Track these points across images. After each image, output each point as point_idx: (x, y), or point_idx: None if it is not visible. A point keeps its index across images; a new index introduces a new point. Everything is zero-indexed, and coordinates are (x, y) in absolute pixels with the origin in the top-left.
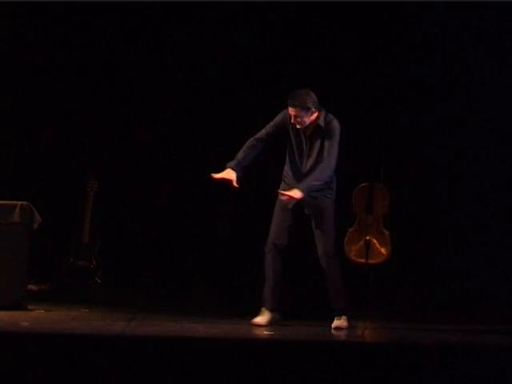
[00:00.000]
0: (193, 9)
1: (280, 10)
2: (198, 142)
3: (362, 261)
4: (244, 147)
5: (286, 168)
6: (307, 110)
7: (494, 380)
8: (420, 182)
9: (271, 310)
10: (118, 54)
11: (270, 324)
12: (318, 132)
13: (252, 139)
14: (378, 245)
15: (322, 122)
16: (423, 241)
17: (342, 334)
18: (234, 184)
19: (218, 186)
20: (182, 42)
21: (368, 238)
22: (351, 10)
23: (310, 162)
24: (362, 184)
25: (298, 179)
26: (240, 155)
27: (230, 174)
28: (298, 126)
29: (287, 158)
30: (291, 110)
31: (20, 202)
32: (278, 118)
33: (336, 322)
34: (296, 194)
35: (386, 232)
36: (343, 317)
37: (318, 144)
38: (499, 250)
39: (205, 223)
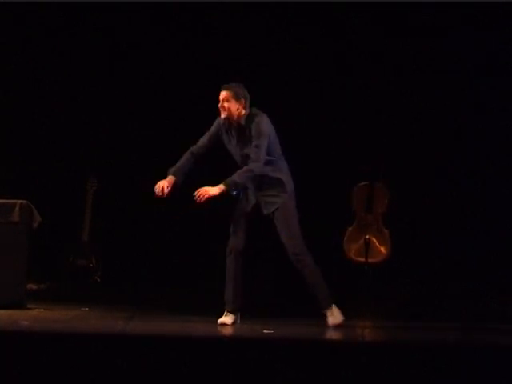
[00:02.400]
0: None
1: (283, 10)
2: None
3: (362, 260)
4: (182, 158)
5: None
6: (237, 99)
7: (494, 379)
8: (419, 180)
9: (232, 312)
10: (119, 53)
11: (234, 323)
12: (243, 131)
13: (188, 152)
14: (377, 244)
15: (243, 121)
16: (423, 239)
17: (342, 332)
18: (164, 189)
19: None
20: (183, 41)
21: (368, 236)
22: (354, 11)
23: (244, 161)
24: (362, 183)
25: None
26: (178, 164)
27: (168, 181)
28: (222, 115)
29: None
30: (222, 94)
31: (20, 201)
32: (211, 129)
33: (330, 319)
34: (211, 189)
35: (386, 231)
36: (333, 308)
37: (245, 144)
38: (499, 248)
39: (204, 222)
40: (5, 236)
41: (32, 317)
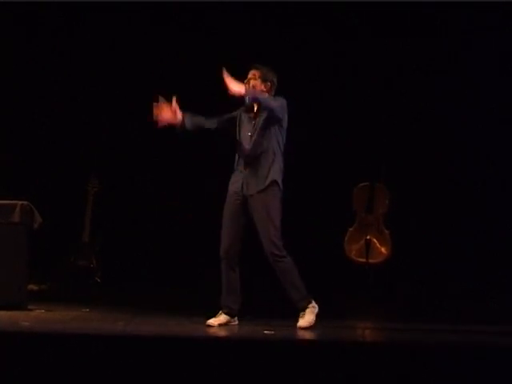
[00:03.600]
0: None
1: (282, 10)
2: (200, 140)
3: (363, 260)
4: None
5: (237, 154)
6: (264, 80)
7: (494, 380)
8: (420, 181)
9: (226, 314)
10: (120, 53)
11: (220, 325)
12: (262, 112)
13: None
14: (378, 244)
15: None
16: (423, 240)
17: (343, 332)
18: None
19: (220, 185)
20: (184, 41)
21: (368, 237)
22: (354, 11)
23: (252, 139)
24: (362, 183)
25: (240, 161)
26: (201, 116)
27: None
28: (243, 91)
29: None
30: (250, 72)
31: (20, 202)
32: (234, 112)
33: (300, 322)
34: (240, 87)
35: (387, 231)
36: (307, 310)
37: (257, 123)
38: (499, 249)
39: (205, 222)
40: (5, 237)
41: (33, 318)
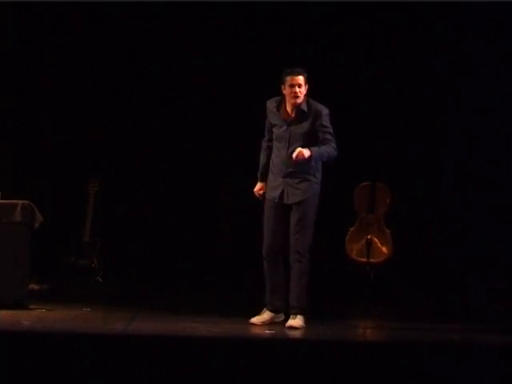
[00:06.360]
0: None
1: (284, 11)
2: (200, 141)
3: (364, 260)
4: (262, 153)
5: (273, 156)
6: (306, 84)
7: (495, 379)
8: (421, 180)
9: (271, 311)
10: (120, 53)
11: (264, 323)
12: (300, 116)
13: (264, 142)
14: (379, 244)
15: (304, 106)
16: (424, 239)
17: (344, 332)
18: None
19: (219, 186)
20: (185, 42)
21: (369, 236)
22: (354, 10)
23: (292, 148)
24: (364, 183)
25: (281, 167)
26: (263, 163)
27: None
28: (295, 100)
29: (274, 148)
30: (298, 79)
31: (21, 201)
32: (268, 117)
33: (290, 321)
34: (306, 152)
35: (388, 231)
36: (299, 316)
37: (300, 129)
38: (500, 248)
39: (206, 222)
40: (7, 236)
41: (34, 317)
